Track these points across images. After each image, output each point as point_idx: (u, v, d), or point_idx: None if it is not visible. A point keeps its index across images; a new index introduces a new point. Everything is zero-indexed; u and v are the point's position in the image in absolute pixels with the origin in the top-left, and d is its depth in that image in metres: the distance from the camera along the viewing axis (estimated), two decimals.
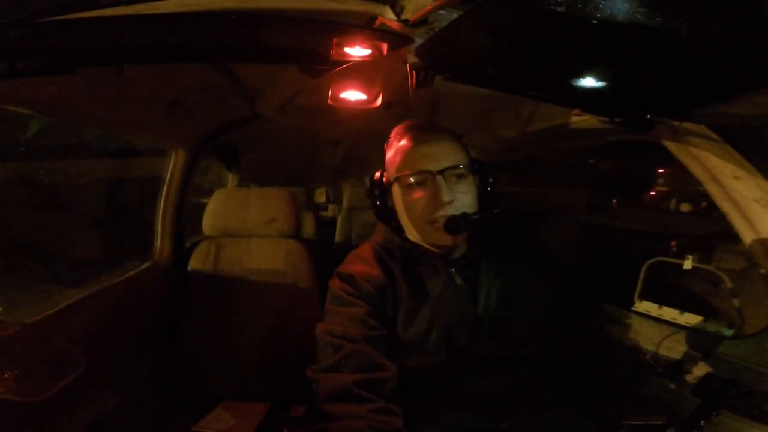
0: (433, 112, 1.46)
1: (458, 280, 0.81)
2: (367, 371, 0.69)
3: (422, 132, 0.80)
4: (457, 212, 0.75)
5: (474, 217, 0.75)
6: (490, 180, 0.82)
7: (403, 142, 0.80)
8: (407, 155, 0.78)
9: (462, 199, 0.76)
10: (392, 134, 0.85)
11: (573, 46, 0.62)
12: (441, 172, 0.75)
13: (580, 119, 1.09)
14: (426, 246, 0.82)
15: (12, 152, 1.26)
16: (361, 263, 0.83)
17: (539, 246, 0.90)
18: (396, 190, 0.81)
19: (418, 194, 0.77)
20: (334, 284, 0.81)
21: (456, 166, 0.76)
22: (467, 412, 0.80)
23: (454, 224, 0.74)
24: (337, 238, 3.20)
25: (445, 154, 0.77)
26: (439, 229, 0.75)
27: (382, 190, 0.83)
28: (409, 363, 0.76)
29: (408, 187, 0.77)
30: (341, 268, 0.83)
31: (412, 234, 0.83)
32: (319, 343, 0.75)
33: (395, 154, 0.81)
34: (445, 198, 0.73)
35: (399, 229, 0.86)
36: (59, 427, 0.80)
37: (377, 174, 0.86)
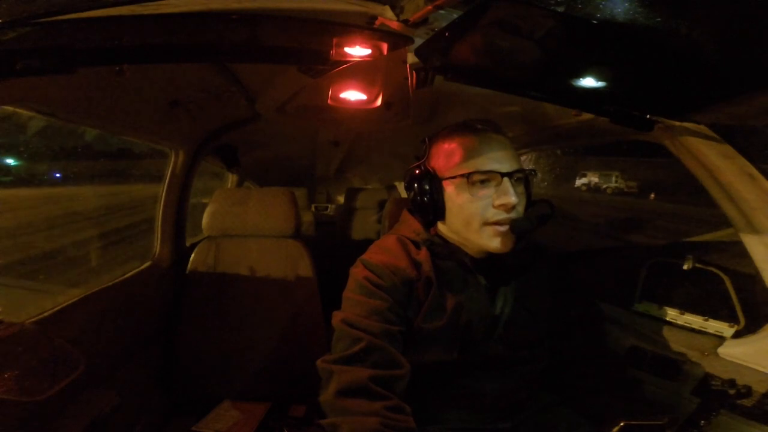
0: (433, 112, 1.46)
1: (481, 280, 0.80)
2: (384, 367, 0.68)
3: (487, 132, 0.78)
4: (518, 215, 0.75)
5: (536, 221, 0.74)
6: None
7: (465, 140, 0.78)
8: (472, 154, 0.76)
9: (520, 203, 0.75)
10: (445, 131, 0.82)
11: (573, 46, 0.62)
12: (509, 174, 0.74)
13: (580, 119, 1.09)
14: (470, 246, 0.80)
15: None
16: (387, 254, 0.81)
17: (552, 253, 0.90)
18: (451, 187, 0.78)
19: (482, 194, 0.75)
20: (358, 272, 0.79)
21: (520, 171, 0.76)
22: (468, 411, 0.80)
23: (521, 227, 0.73)
24: (337, 238, 3.20)
25: (512, 158, 0.76)
26: (497, 231, 0.74)
27: (433, 185, 0.80)
28: (421, 359, 0.76)
29: (471, 186, 0.75)
30: (366, 257, 0.81)
31: (456, 232, 0.81)
32: (336, 333, 0.73)
33: (454, 151, 0.78)
34: (514, 200, 0.73)
35: (430, 224, 0.84)
36: (59, 427, 0.80)
37: (418, 168, 0.82)
